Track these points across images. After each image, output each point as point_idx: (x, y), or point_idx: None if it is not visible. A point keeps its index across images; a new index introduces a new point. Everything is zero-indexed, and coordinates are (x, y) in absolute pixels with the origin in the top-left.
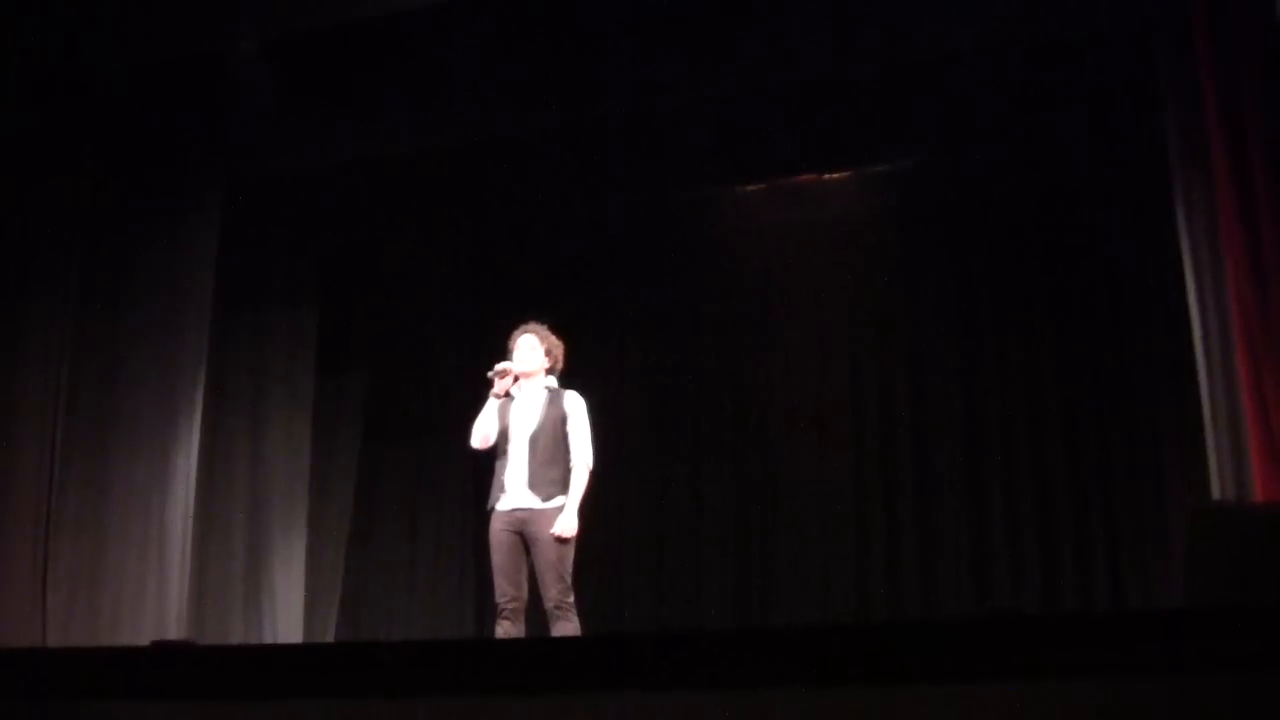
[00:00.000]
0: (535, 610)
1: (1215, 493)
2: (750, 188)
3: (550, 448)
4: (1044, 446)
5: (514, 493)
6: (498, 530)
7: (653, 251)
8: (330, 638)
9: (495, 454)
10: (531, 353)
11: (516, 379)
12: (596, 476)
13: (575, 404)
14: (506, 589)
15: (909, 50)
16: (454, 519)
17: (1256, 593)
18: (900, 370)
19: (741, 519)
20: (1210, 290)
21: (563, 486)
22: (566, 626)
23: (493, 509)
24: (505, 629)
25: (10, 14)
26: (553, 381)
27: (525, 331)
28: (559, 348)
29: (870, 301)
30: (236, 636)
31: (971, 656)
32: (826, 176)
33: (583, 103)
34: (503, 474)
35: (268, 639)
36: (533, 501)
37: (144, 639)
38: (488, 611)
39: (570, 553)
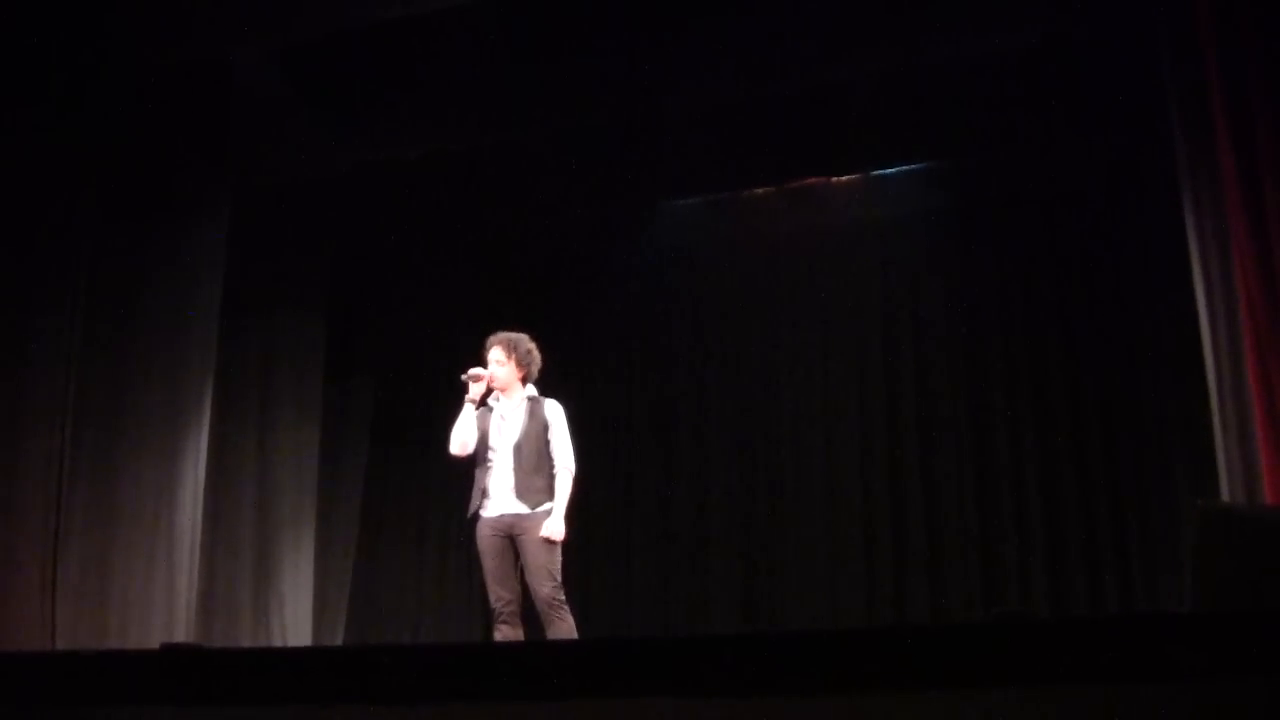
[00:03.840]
0: (532, 612)
1: (1225, 495)
2: (758, 191)
3: (534, 457)
4: (1052, 449)
5: (500, 500)
6: (486, 536)
7: (659, 255)
8: (339, 641)
9: (476, 461)
10: (499, 367)
11: (490, 390)
12: (604, 480)
13: (556, 412)
14: (501, 594)
15: (915, 54)
16: (461, 523)
17: (1265, 596)
18: (907, 374)
19: (747, 523)
20: (1219, 291)
21: (548, 493)
22: (561, 626)
23: (478, 516)
24: (504, 633)
25: (22, 20)
26: (532, 390)
27: (494, 344)
28: (531, 355)
29: (877, 304)
30: (245, 641)
31: (979, 661)
32: (834, 180)
33: (589, 107)
34: (485, 481)
35: (276, 643)
36: (521, 509)
37: (152, 644)
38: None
39: (559, 552)
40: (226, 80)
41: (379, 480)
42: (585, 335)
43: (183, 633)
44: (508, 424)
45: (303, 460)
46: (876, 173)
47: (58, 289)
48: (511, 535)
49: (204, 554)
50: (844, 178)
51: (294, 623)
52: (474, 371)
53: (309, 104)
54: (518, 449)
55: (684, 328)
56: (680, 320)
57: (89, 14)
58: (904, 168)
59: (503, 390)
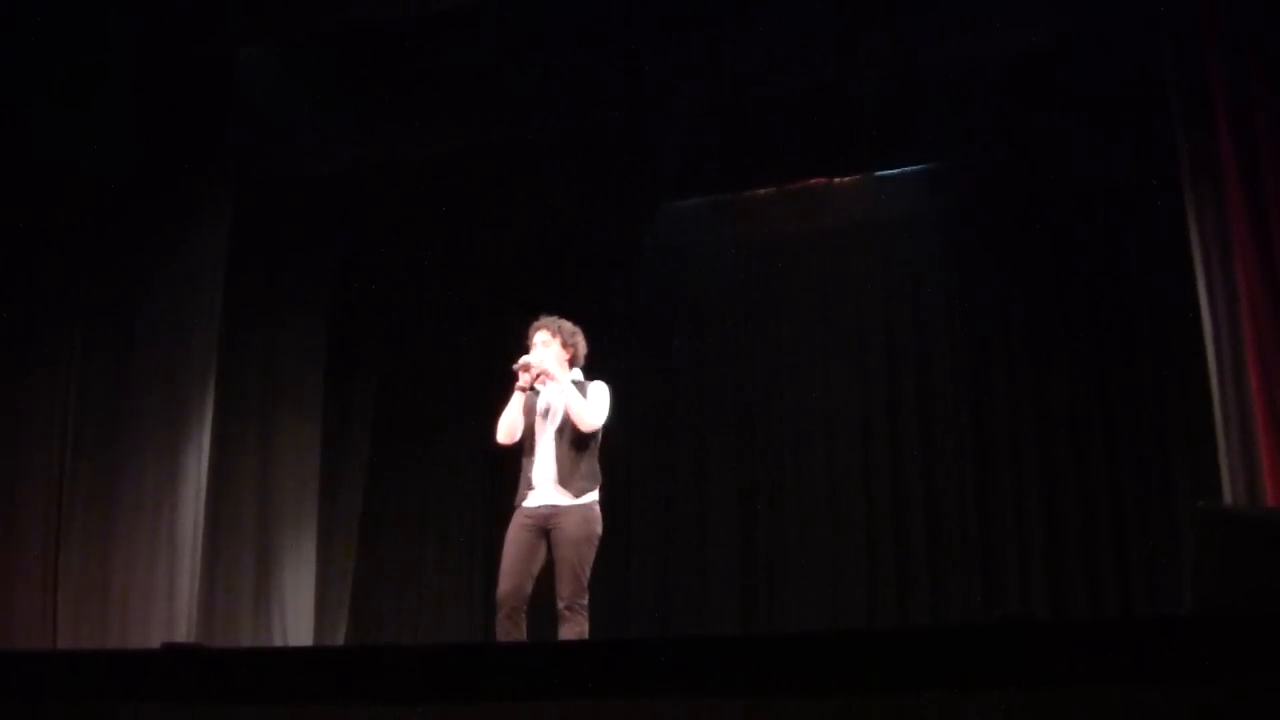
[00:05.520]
0: (536, 611)
1: (1226, 495)
2: (759, 192)
3: (578, 440)
4: (1053, 451)
5: (542, 489)
6: (518, 527)
7: (660, 256)
8: (340, 641)
9: (521, 451)
10: (545, 350)
11: (538, 376)
12: (604, 480)
13: (598, 387)
14: (510, 588)
15: (917, 54)
16: (463, 522)
17: (1266, 599)
18: (909, 374)
19: (748, 524)
20: (1221, 291)
21: (592, 481)
22: (574, 629)
23: (518, 505)
24: (505, 628)
25: (23, 19)
26: (578, 374)
27: (539, 327)
28: (576, 335)
29: (878, 305)
30: (246, 640)
31: (980, 662)
32: (835, 181)
33: (590, 107)
34: (530, 471)
35: (277, 642)
36: (562, 498)
37: (154, 642)
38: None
39: (591, 554)
40: (228, 78)
41: (380, 480)
42: (587, 336)
43: (184, 632)
44: (551, 410)
45: (304, 460)
46: (878, 174)
47: (59, 286)
48: (547, 529)
49: (205, 553)
50: (845, 179)
51: (295, 622)
52: (524, 360)
53: (311, 102)
54: (559, 434)
55: (685, 328)
56: (681, 321)
57: (91, 13)
58: (905, 168)
59: (550, 377)
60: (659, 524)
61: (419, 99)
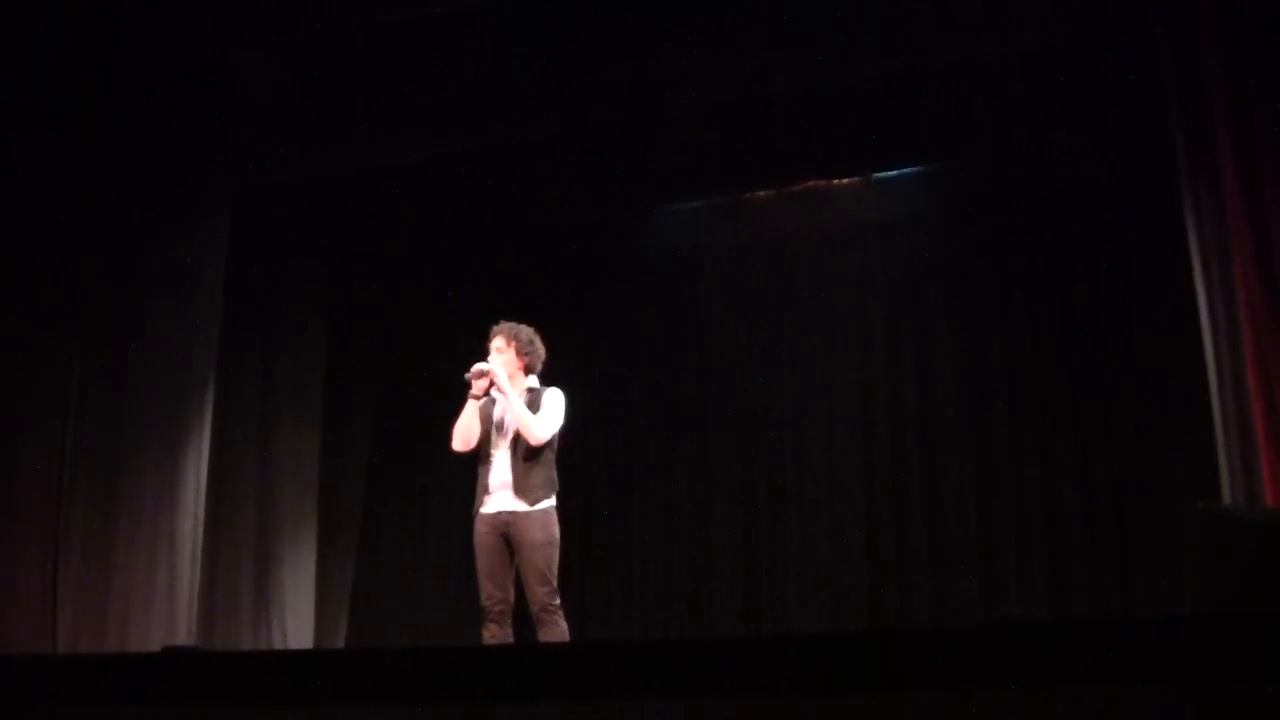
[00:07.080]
0: (527, 614)
1: (1225, 496)
2: (758, 194)
3: (532, 449)
4: (1053, 452)
5: (498, 496)
6: (482, 533)
7: (660, 258)
8: (340, 643)
9: (478, 458)
10: (499, 355)
11: (489, 384)
12: (605, 482)
13: (553, 395)
14: (493, 592)
15: (917, 55)
16: (462, 525)
17: (1265, 598)
18: (908, 375)
19: (749, 525)
20: (1219, 292)
21: (548, 489)
22: (553, 630)
23: (477, 513)
24: (492, 632)
25: (24, 22)
26: (534, 381)
27: (496, 333)
28: (533, 344)
29: (878, 306)
30: (246, 643)
31: (981, 663)
32: (834, 182)
33: (589, 109)
34: (486, 478)
35: (277, 644)
36: (518, 505)
37: (154, 646)
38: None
39: (555, 555)
40: (228, 81)
41: (380, 481)
42: (586, 337)
43: (184, 635)
44: (508, 417)
45: (304, 461)
46: (876, 175)
47: (58, 290)
48: (507, 535)
49: (205, 555)
50: (844, 180)
51: (295, 624)
52: (477, 368)
53: (311, 104)
54: (515, 442)
55: (685, 330)
56: (681, 322)
57: (91, 15)
58: (904, 170)
59: (497, 385)
60: (659, 525)
61: (418, 100)
